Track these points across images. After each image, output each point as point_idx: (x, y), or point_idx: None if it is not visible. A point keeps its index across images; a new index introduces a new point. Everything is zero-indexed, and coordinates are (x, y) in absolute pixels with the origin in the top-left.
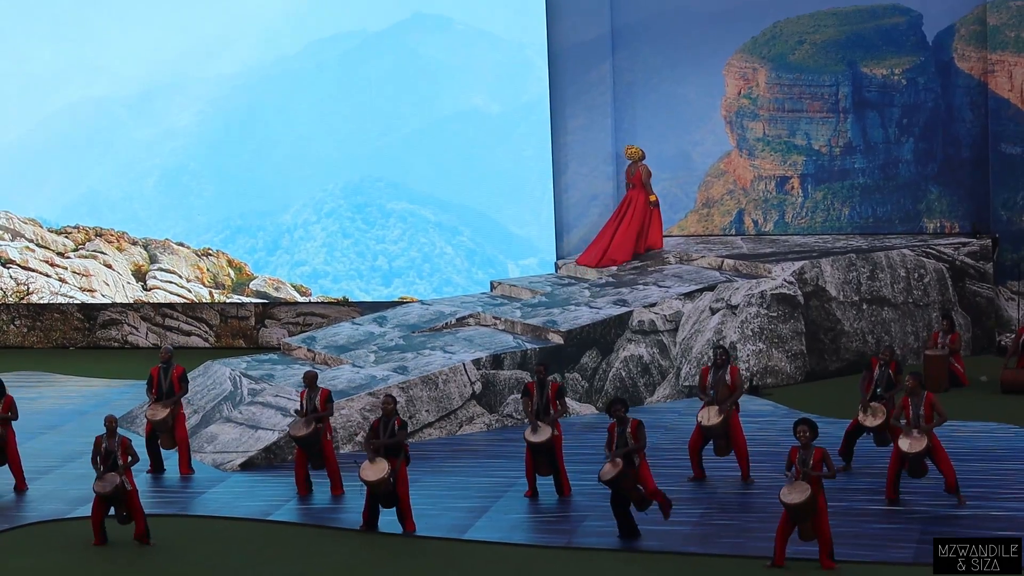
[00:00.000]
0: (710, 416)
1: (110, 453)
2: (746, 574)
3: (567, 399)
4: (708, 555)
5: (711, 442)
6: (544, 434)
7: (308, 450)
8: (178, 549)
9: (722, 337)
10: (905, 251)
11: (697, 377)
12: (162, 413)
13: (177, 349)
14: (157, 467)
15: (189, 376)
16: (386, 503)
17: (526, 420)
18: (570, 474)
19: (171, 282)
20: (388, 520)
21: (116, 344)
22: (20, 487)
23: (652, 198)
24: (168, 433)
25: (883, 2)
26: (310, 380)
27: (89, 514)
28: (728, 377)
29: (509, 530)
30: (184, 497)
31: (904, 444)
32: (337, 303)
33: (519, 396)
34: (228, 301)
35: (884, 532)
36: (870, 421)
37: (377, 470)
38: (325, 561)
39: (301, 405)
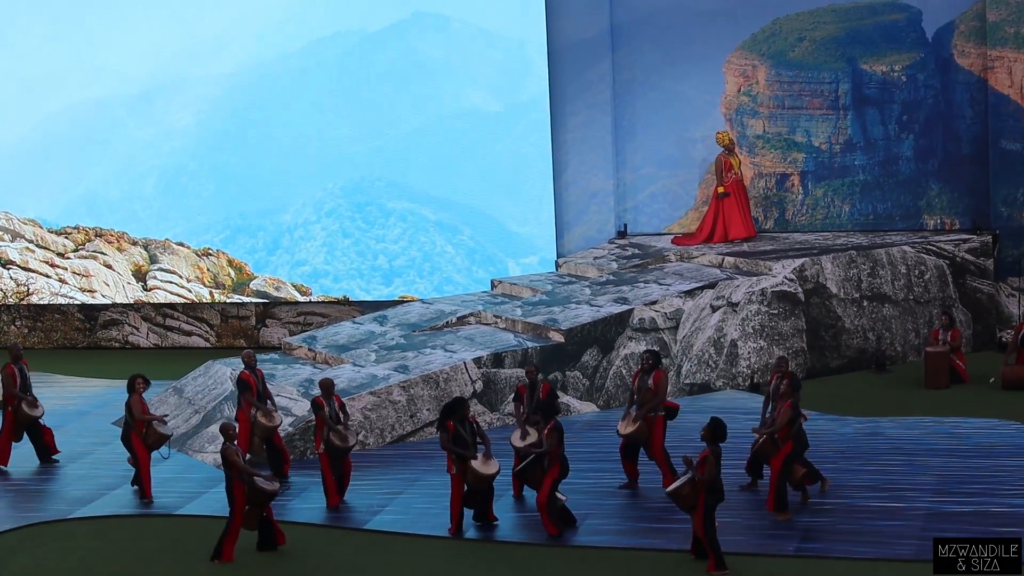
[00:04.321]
0: (626, 425)
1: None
2: (746, 572)
3: (569, 396)
4: None
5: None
6: (530, 440)
7: (341, 458)
8: (180, 549)
9: (723, 334)
10: (906, 248)
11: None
12: (279, 418)
13: (177, 349)
14: (281, 472)
15: (190, 376)
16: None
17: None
18: (570, 472)
19: (171, 282)
20: (392, 519)
21: (117, 344)
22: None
23: (719, 188)
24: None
25: None
26: (327, 388)
27: (94, 514)
28: (651, 382)
29: (509, 529)
30: (185, 497)
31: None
32: (338, 302)
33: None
34: (229, 301)
35: (884, 528)
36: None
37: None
38: (329, 560)
39: (325, 415)
